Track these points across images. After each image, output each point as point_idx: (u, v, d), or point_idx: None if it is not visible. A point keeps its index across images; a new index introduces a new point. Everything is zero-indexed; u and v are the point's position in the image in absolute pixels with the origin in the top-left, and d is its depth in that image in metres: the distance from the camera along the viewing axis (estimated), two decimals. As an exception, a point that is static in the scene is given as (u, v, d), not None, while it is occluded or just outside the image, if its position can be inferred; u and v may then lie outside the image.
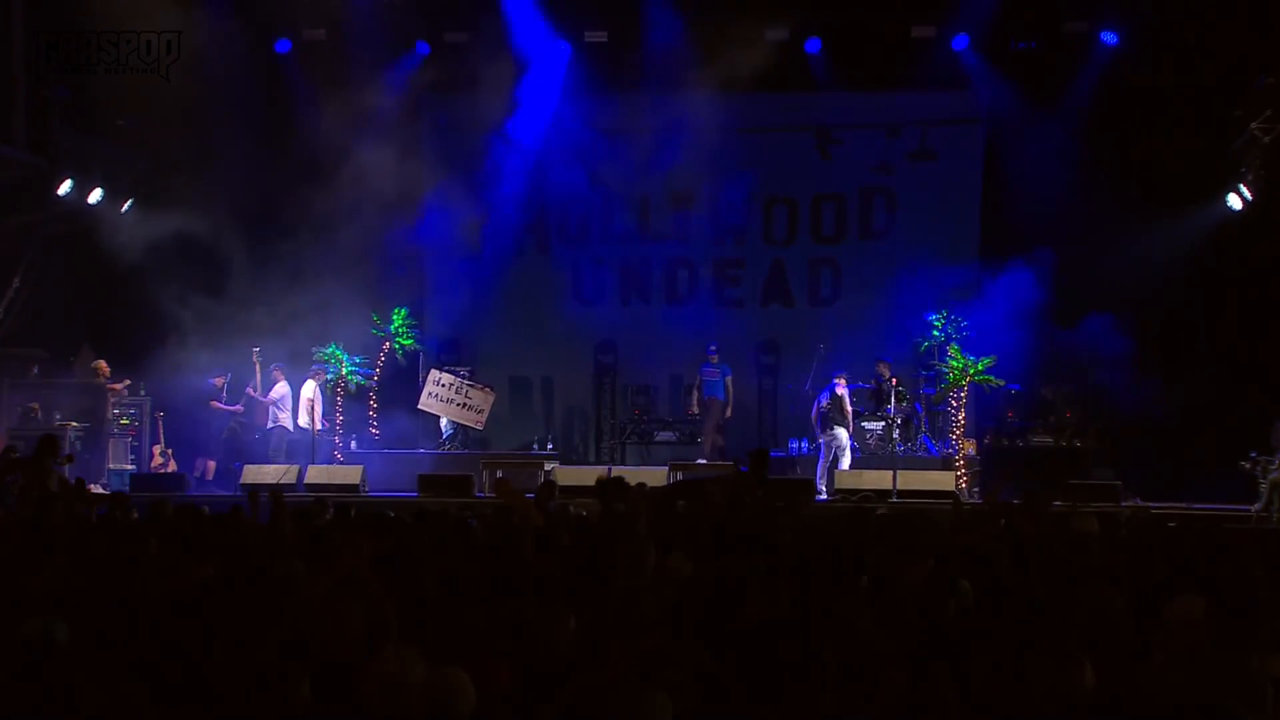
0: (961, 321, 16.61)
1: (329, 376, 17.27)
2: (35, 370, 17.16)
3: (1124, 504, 13.73)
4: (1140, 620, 5.03)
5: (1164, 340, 16.76)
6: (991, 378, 16.19)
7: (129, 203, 17.62)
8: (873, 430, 17.25)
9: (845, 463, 16.22)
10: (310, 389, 17.10)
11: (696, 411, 17.67)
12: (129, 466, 16.92)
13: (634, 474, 15.14)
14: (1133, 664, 4.46)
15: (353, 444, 17.70)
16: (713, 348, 17.58)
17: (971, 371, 16.14)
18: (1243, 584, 5.54)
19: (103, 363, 16.80)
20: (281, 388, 17.04)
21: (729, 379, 17.65)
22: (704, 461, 16.84)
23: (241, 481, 16.10)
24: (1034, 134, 17.33)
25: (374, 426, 17.91)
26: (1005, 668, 4.21)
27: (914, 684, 4.23)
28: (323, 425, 17.15)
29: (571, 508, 9.54)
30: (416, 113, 19.23)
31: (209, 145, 17.25)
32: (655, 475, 15.36)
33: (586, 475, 16.25)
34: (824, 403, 16.42)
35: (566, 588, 5.59)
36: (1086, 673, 4.04)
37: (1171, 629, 4.75)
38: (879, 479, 15.54)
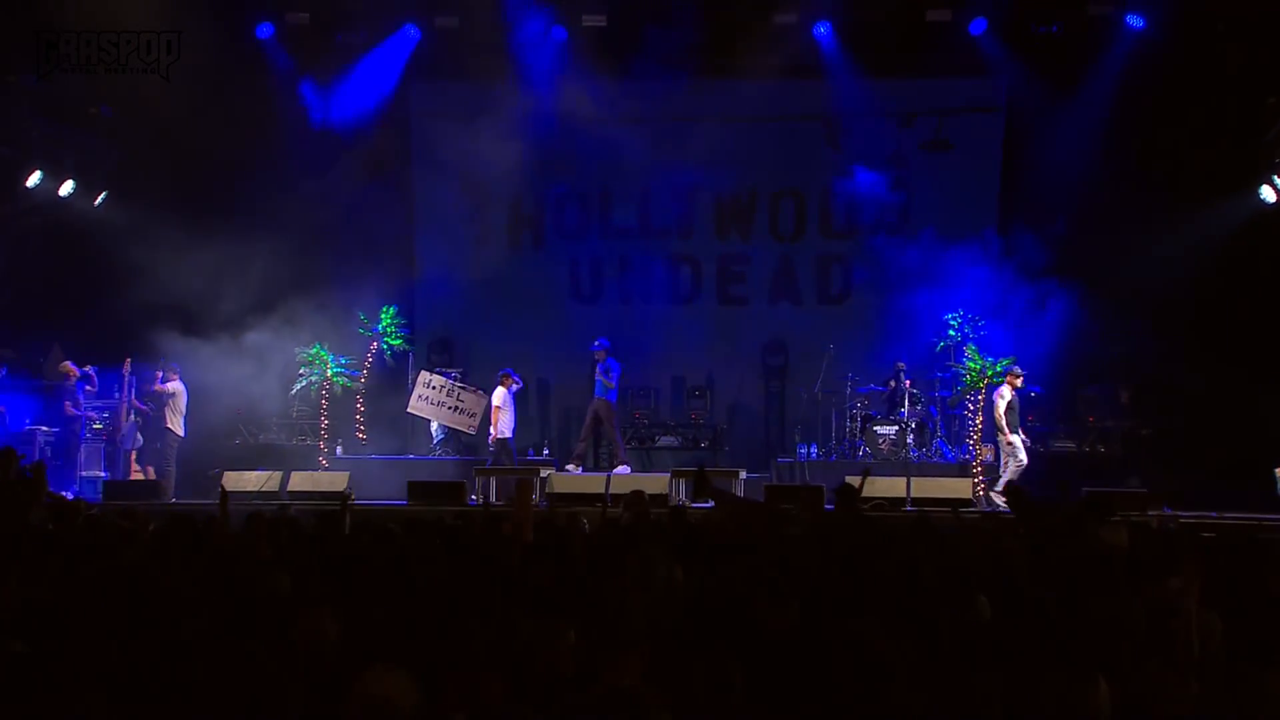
0: (979, 320, 16.60)
1: (313, 378, 17.27)
2: (3, 371, 17.16)
3: (1151, 513, 13.72)
4: (1164, 636, 5.04)
5: (1194, 340, 16.74)
6: (1010, 379, 16.17)
7: (103, 195, 17.63)
8: (885, 435, 17.27)
9: (1007, 475, 15.71)
10: (500, 396, 17.09)
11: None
12: (101, 473, 16.92)
13: (635, 481, 15.21)
14: (1151, 680, 4.46)
15: (338, 449, 17.70)
16: (596, 344, 17.39)
17: (989, 373, 16.13)
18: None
19: (69, 364, 16.74)
20: (174, 387, 16.84)
21: (611, 378, 17.27)
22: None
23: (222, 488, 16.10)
24: (1055, 123, 17.34)
25: (361, 431, 17.92)
26: (1019, 685, 4.22)
27: (927, 701, 4.24)
28: (510, 434, 17.12)
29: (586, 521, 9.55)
30: (405, 101, 19.25)
31: (187, 135, 17.25)
32: (657, 482, 15.39)
33: (584, 482, 16.34)
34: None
35: (561, 600, 5.61)
36: (1101, 691, 4.05)
37: (1190, 642, 4.76)
38: (892, 486, 15.54)
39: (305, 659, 4.58)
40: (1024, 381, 16.05)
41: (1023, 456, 15.75)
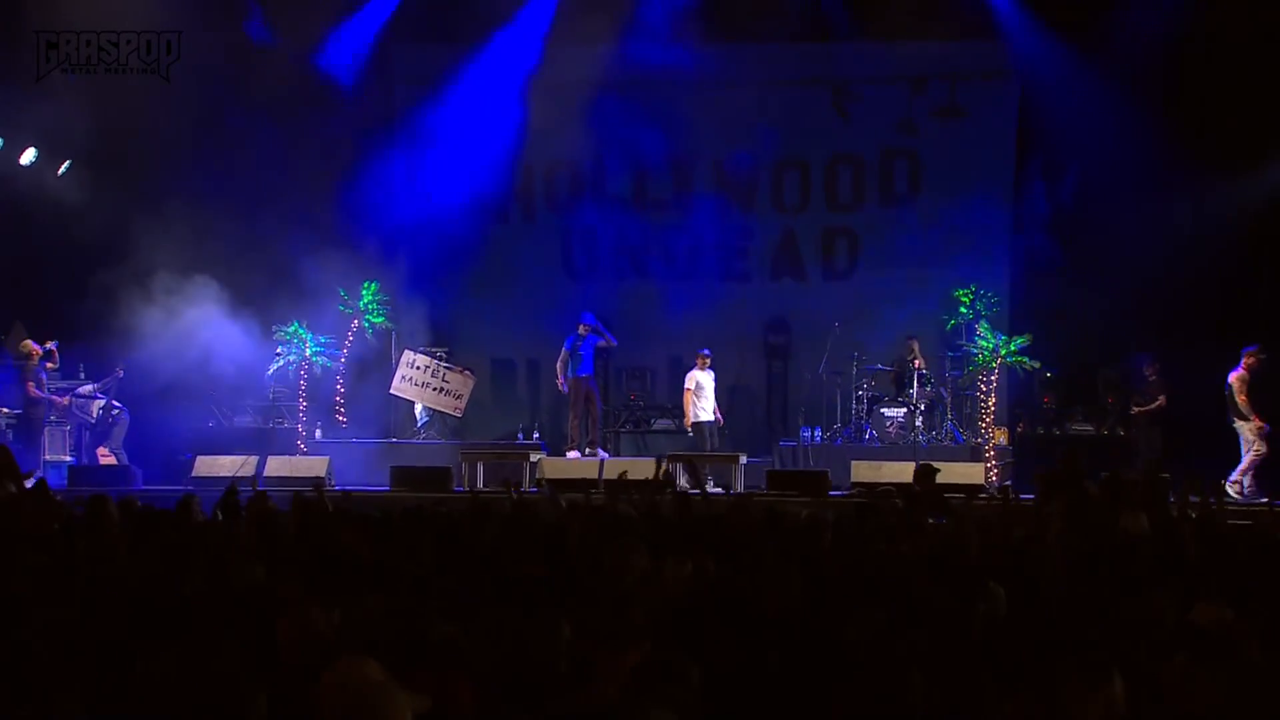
0: (992, 297, 16.57)
1: (291, 358, 17.22)
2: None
3: (1172, 499, 13.70)
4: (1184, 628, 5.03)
5: (1220, 318, 16.70)
6: (1025, 359, 16.16)
7: (66, 164, 17.54)
8: (893, 417, 17.25)
9: (1242, 464, 15.20)
10: (692, 380, 17.05)
11: (566, 392, 17.55)
12: (67, 458, 16.89)
13: (630, 466, 15.17)
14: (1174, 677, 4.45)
15: (317, 433, 17.67)
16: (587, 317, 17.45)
17: (1003, 352, 16.11)
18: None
19: (31, 343, 16.69)
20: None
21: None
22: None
23: (194, 474, 16.11)
24: (1074, 88, 17.24)
25: (341, 413, 17.88)
26: (1031, 681, 4.20)
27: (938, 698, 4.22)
28: (716, 417, 17.17)
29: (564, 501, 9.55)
30: (388, 65, 19.14)
31: (157, 100, 17.15)
32: (651, 467, 15.34)
33: (575, 468, 16.34)
34: None
35: (551, 592, 5.59)
36: (1116, 688, 4.03)
37: (1201, 636, 4.75)
38: (900, 471, 15.51)
39: (293, 655, 4.57)
40: (1037, 360, 16.03)
41: (1263, 446, 15.17)
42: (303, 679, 4.16)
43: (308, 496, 9.03)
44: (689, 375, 17.18)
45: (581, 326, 17.29)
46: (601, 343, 17.46)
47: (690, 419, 17.07)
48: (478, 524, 7.80)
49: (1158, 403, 16.37)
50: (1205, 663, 4.37)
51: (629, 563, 6.14)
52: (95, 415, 17.11)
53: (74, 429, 17.23)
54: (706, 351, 17.28)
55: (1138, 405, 16.55)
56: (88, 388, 17.17)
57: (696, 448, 16.83)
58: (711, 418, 17.14)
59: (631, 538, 6.63)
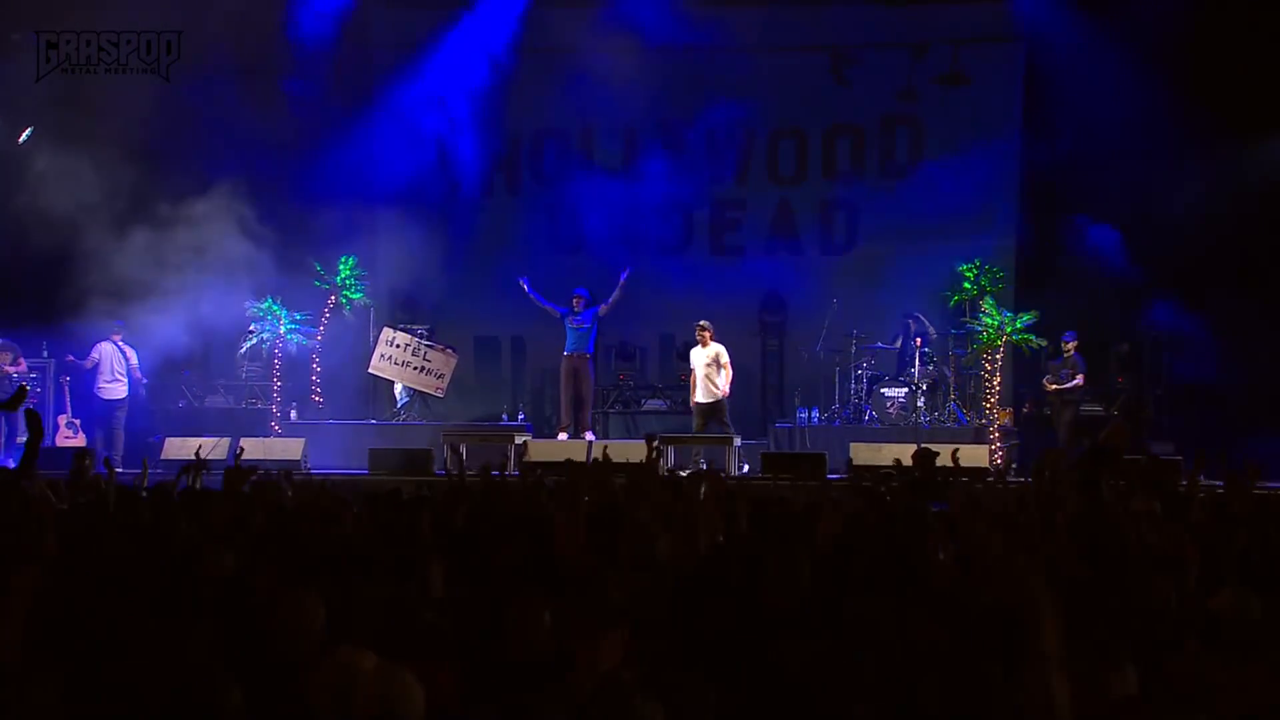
0: (997, 272, 16.56)
1: (265, 335, 17.18)
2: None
3: (1184, 483, 13.70)
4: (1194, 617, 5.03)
5: (1237, 294, 16.69)
6: (1031, 337, 16.15)
7: (28, 131, 17.45)
8: (894, 398, 17.25)
9: None
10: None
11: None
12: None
13: (619, 448, 15.17)
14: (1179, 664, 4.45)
15: (293, 414, 17.64)
16: (579, 292, 17.32)
17: (1008, 330, 16.11)
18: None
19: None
20: (107, 348, 16.99)
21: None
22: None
23: (163, 456, 16.08)
24: (1083, 53, 17.21)
25: (317, 393, 17.84)
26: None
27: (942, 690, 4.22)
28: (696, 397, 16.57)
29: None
30: (364, 29, 19.05)
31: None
32: (640, 449, 15.31)
33: (562, 450, 16.30)
34: None
35: (537, 578, 5.58)
36: (1129, 679, 4.03)
37: (1220, 625, 4.75)
38: (901, 453, 15.50)
39: (276, 646, 4.56)
40: (1044, 338, 16.02)
41: None
42: (286, 671, 4.15)
43: (270, 481, 9.00)
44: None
45: (576, 300, 17.20)
46: (601, 310, 17.30)
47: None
48: (455, 508, 7.79)
49: (1075, 381, 16.39)
50: (1219, 650, 4.37)
51: (653, 544, 6.15)
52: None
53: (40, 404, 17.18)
54: (702, 323, 16.64)
55: (1054, 383, 16.56)
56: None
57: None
58: (697, 397, 16.52)
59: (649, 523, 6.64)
